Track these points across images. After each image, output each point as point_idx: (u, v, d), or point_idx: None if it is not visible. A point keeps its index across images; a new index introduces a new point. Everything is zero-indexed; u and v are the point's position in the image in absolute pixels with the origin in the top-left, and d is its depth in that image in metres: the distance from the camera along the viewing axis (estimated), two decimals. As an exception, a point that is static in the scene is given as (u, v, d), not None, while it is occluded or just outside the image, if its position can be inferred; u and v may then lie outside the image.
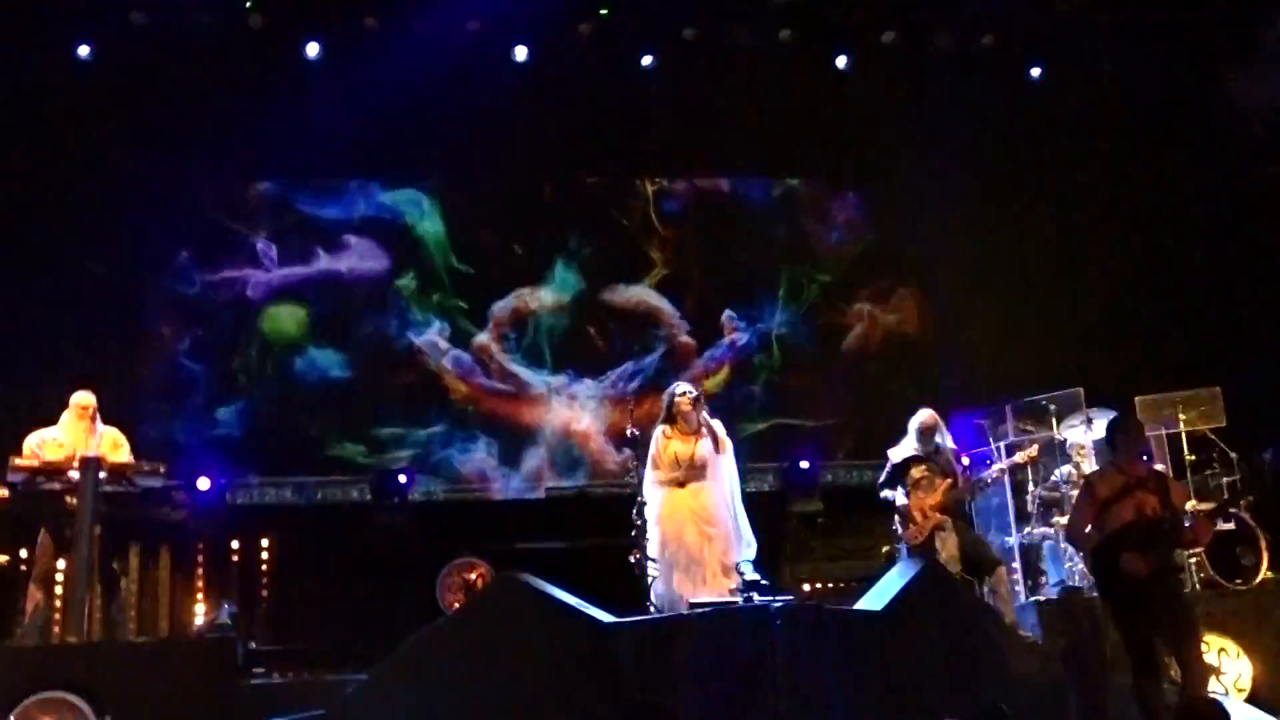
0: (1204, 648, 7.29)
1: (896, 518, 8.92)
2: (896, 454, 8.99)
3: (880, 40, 12.91)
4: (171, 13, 11.74)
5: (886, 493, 8.98)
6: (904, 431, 9.03)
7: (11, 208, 11.43)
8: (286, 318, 12.55)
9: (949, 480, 8.77)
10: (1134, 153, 13.16)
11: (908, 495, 8.81)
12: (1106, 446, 7.27)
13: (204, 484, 10.50)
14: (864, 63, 13.14)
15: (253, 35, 12.05)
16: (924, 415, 8.97)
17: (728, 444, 8.29)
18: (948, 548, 8.57)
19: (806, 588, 10.52)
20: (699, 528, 7.96)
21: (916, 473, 8.84)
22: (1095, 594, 8.54)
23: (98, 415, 8.69)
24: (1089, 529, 6.94)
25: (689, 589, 7.70)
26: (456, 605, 9.84)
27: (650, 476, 8.10)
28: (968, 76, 13.03)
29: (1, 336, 11.12)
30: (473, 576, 10.41)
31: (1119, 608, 6.71)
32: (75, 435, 8.52)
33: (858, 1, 12.74)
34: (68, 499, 8.06)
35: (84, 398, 8.67)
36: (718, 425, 8.30)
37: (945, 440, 8.97)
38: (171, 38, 11.81)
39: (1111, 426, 7.30)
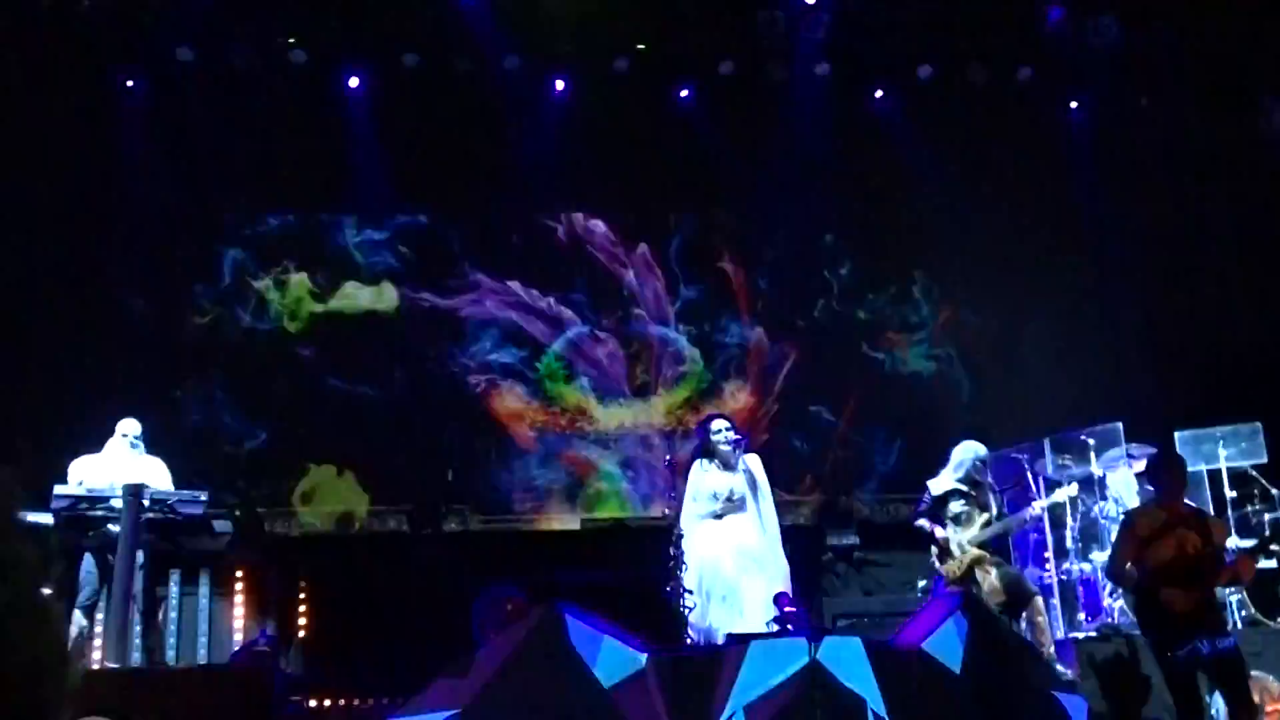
0: (1251, 685, 7.21)
1: (935, 550, 8.88)
2: (936, 486, 8.93)
3: (917, 74, 12.95)
4: (216, 48, 11.91)
5: (922, 523, 8.90)
6: (944, 463, 9.01)
7: (58, 238, 11.58)
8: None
9: (987, 515, 8.73)
10: (1173, 185, 13.12)
11: (944, 528, 8.78)
12: (1147, 483, 7.23)
13: (241, 512, 10.57)
14: (900, 97, 13.18)
15: (295, 70, 12.21)
16: (967, 448, 8.95)
17: (764, 476, 8.31)
18: (988, 582, 8.52)
19: (843, 622, 10.45)
20: (736, 560, 7.97)
21: (955, 506, 8.80)
22: (1136, 631, 8.52)
23: (141, 443, 8.80)
24: (1129, 566, 6.89)
25: (726, 621, 7.69)
26: (493, 636, 9.83)
27: (688, 508, 8.11)
28: (1004, 110, 13.06)
29: (49, 367, 11.24)
30: (508, 608, 10.40)
31: (1161, 645, 6.66)
32: (119, 463, 8.62)
33: (895, 37, 12.76)
34: (110, 525, 8.15)
35: (129, 425, 8.80)
36: (755, 459, 8.32)
37: (985, 475, 8.93)
38: (216, 72, 11.98)
39: (1154, 463, 7.26)
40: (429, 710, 6.86)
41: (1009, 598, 8.50)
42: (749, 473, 8.22)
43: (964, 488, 8.82)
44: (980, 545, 8.66)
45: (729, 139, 12.92)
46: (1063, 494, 9.14)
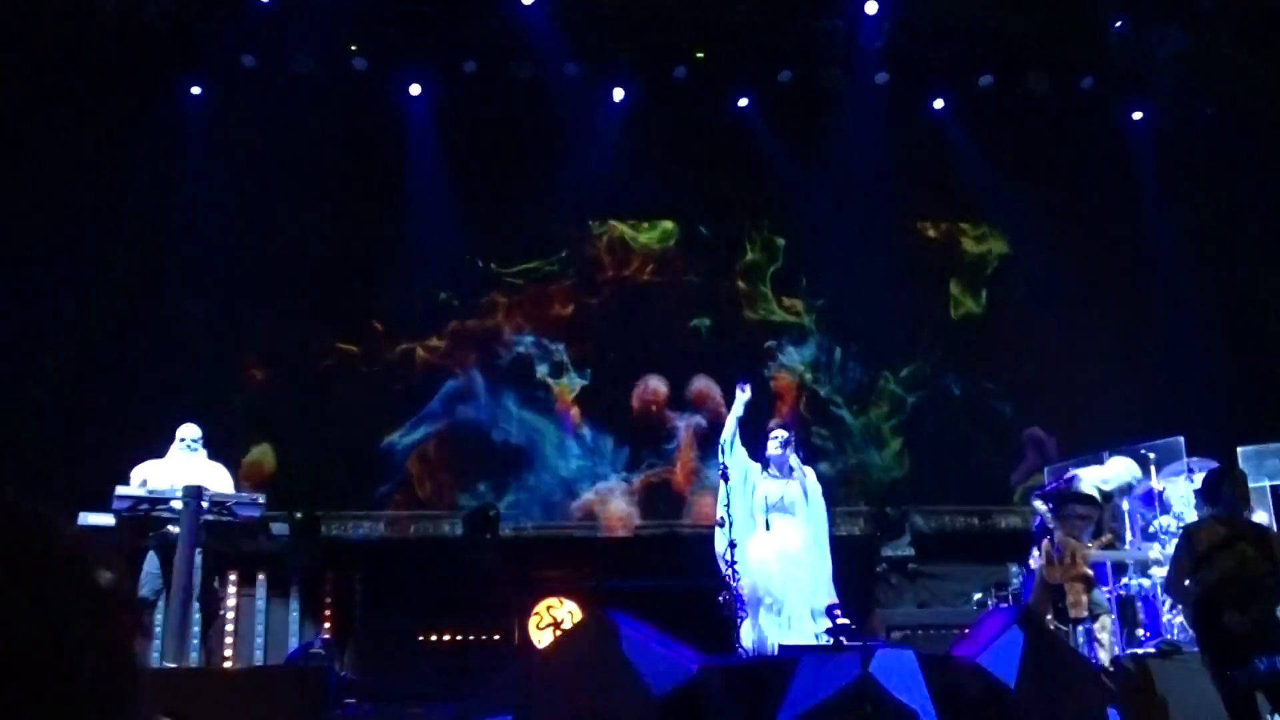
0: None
1: (1047, 544, 8.53)
2: (1086, 481, 8.66)
3: (977, 83, 12.87)
4: (278, 56, 12.05)
5: (1041, 505, 8.60)
6: (1099, 460, 8.84)
7: (123, 244, 11.74)
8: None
9: (1108, 537, 8.59)
10: (1237, 196, 12.93)
11: (1059, 525, 8.51)
12: (1206, 497, 7.11)
13: (299, 516, 10.68)
14: (961, 106, 13.10)
15: (357, 76, 12.34)
16: (1130, 466, 8.77)
17: (817, 487, 8.29)
18: (1075, 594, 8.31)
19: (897, 634, 10.39)
20: (784, 569, 7.95)
21: (1081, 509, 8.56)
22: (1195, 649, 8.39)
23: (200, 447, 8.92)
24: (1187, 582, 6.79)
25: (775, 632, 7.68)
26: (545, 643, 9.88)
27: (739, 515, 8.10)
28: (1066, 119, 12.95)
29: (113, 373, 11.39)
30: (561, 613, 10.45)
31: (1219, 662, 6.55)
32: (180, 467, 8.73)
33: (955, 45, 12.67)
34: (170, 527, 8.26)
35: (188, 430, 8.92)
36: (808, 469, 8.32)
37: (1121, 501, 8.76)
38: (278, 80, 12.12)
39: (1213, 477, 7.15)
40: (483, 713, 6.91)
41: (1086, 613, 8.33)
42: (803, 479, 8.21)
43: (1098, 498, 8.63)
44: (1089, 563, 8.43)
45: (787, 147, 12.87)
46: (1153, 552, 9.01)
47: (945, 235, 13.77)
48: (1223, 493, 6.87)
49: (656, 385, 12.94)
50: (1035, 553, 8.70)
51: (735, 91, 12.98)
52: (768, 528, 8.03)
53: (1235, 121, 12.90)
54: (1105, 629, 8.43)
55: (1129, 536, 8.86)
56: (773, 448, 8.27)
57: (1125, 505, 8.78)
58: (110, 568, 1.29)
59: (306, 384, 12.47)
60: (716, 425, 11.27)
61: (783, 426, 8.67)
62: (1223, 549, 6.61)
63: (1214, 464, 9.41)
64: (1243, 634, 6.42)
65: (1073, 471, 8.81)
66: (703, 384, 12.88)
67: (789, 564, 7.98)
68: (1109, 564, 9.65)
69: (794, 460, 8.27)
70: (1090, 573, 8.49)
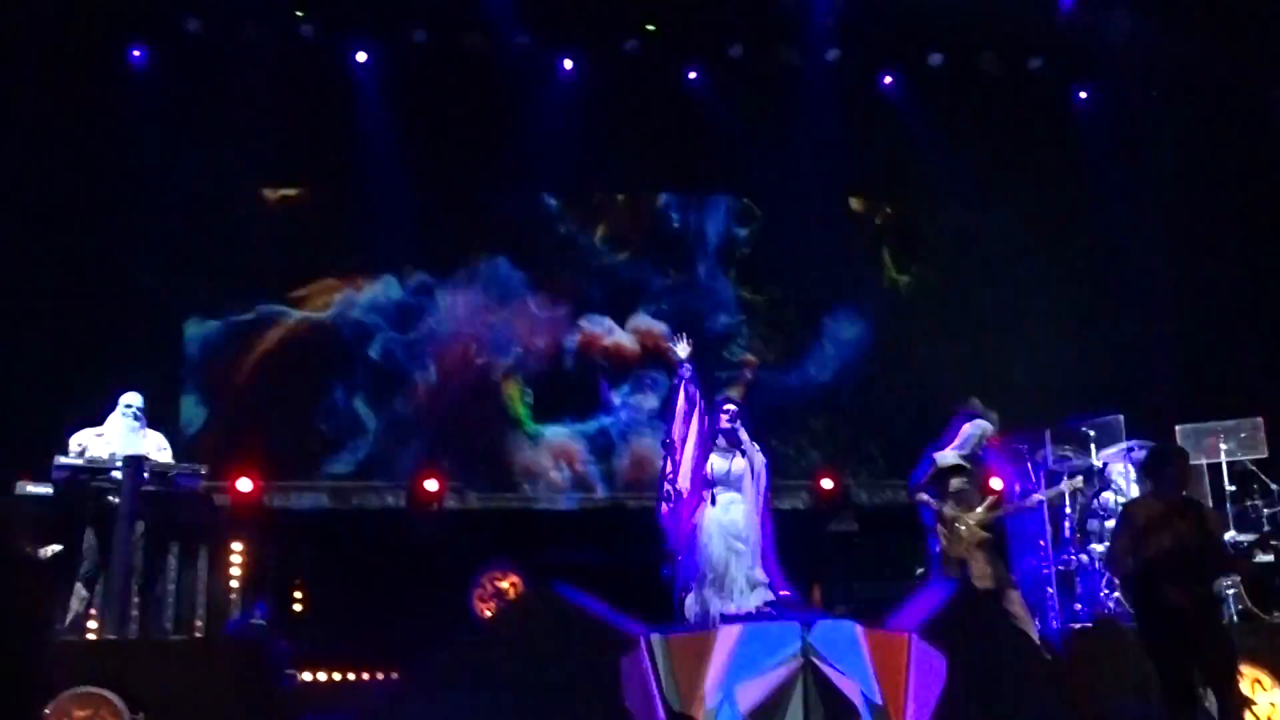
0: (1240, 679, 7.21)
1: (939, 526, 8.74)
2: (943, 458, 8.85)
3: (928, 62, 12.93)
4: (224, 20, 11.89)
5: (924, 496, 8.83)
6: (952, 434, 8.98)
7: (65, 212, 11.56)
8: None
9: (994, 497, 8.75)
10: (1181, 178, 13.07)
11: (943, 502, 8.74)
12: (1148, 475, 7.20)
13: (245, 485, 10.59)
14: (911, 84, 13.15)
15: (304, 43, 12.19)
16: (986, 426, 8.95)
17: (763, 461, 8.33)
18: (979, 566, 8.52)
19: (839, 606, 10.47)
20: (727, 542, 7.99)
21: (957, 482, 8.77)
22: (1131, 623, 8.53)
23: (143, 416, 8.81)
24: (1127, 557, 6.89)
25: (718, 603, 7.71)
26: (489, 614, 9.88)
27: (682, 484, 8.13)
28: (1015, 98, 13.04)
29: (51, 341, 11.23)
30: (505, 585, 10.46)
31: (1156, 637, 6.65)
32: (120, 435, 8.63)
33: (907, 24, 12.71)
34: (110, 497, 8.17)
35: (131, 397, 8.81)
36: (754, 445, 8.35)
37: (986, 454, 8.98)
38: (224, 45, 11.95)
39: (1155, 456, 7.23)
40: (426, 684, 6.90)
41: (994, 585, 8.50)
42: (748, 455, 8.24)
43: (967, 465, 8.82)
44: (983, 527, 8.67)
45: (737, 122, 12.87)
46: (1068, 485, 9.16)
47: (894, 211, 13.81)
48: (1165, 472, 6.95)
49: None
50: (932, 538, 8.86)
51: (686, 66, 12.94)
52: (713, 501, 8.05)
53: (1180, 103, 13.03)
54: (1015, 602, 8.54)
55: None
56: (721, 422, 8.29)
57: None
58: (26, 535, 1.28)
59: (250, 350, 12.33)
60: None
61: (731, 401, 8.68)
62: (1160, 526, 6.70)
63: (1152, 443, 9.57)
64: (1180, 609, 6.51)
65: (931, 454, 8.95)
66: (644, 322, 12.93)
67: (732, 537, 8.01)
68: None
69: (742, 435, 8.30)
70: (988, 536, 8.66)
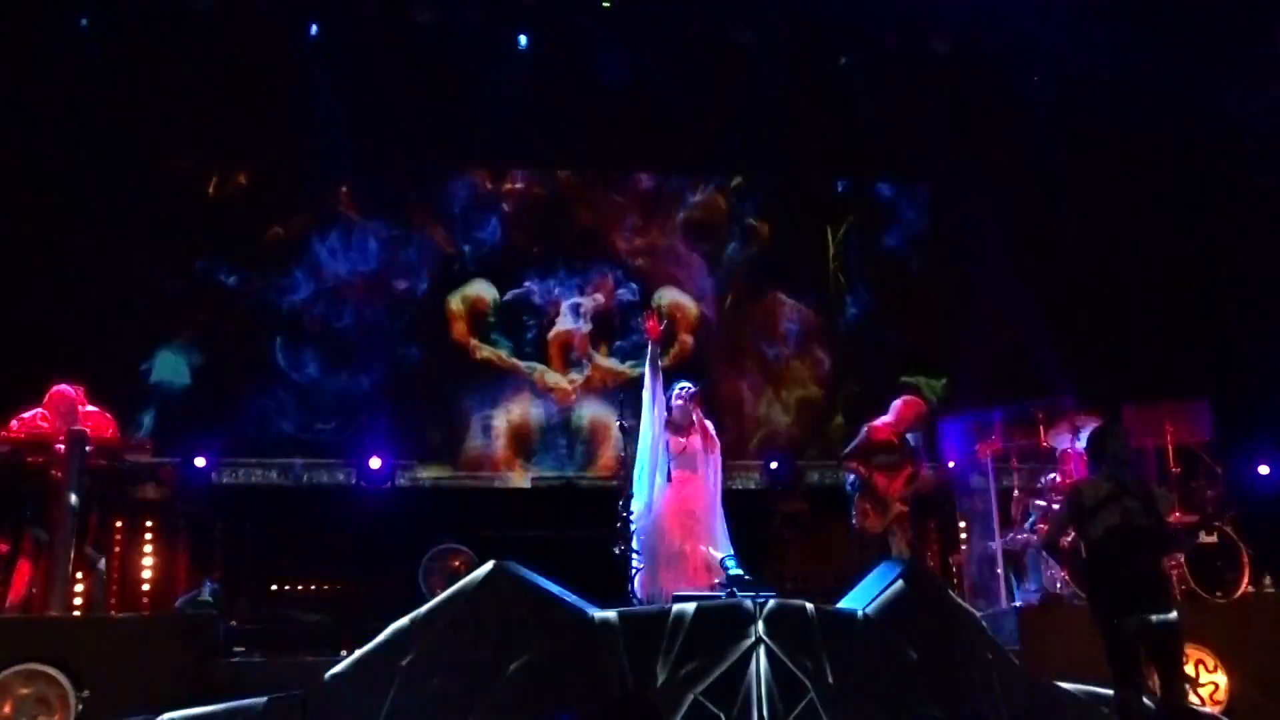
0: (1185, 659, 7.31)
1: (861, 497, 8.97)
2: (874, 431, 9.09)
3: (882, 42, 12.96)
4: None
5: (854, 465, 9.03)
6: (886, 410, 9.17)
7: (3, 181, 11.35)
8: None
9: (909, 470, 8.86)
10: (1131, 163, 13.20)
11: (871, 474, 8.90)
12: (1091, 455, 7.27)
13: (200, 462, 10.48)
14: (865, 64, 13.17)
15: (254, 13, 12.02)
16: (915, 402, 9.13)
17: (716, 443, 8.36)
18: (899, 544, 8.71)
19: (790, 586, 10.51)
20: (682, 522, 8.01)
21: (886, 457, 8.95)
22: (1077, 601, 8.63)
23: (79, 405, 8.64)
24: (1071, 537, 6.96)
25: (672, 583, 7.72)
26: (439, 591, 9.83)
27: (639, 469, 8.12)
28: (964, 81, 13.10)
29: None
30: (456, 564, 10.40)
31: (1104, 615, 6.72)
32: (63, 414, 8.48)
33: (860, 5, 12.72)
34: (53, 473, 8.05)
35: (63, 390, 8.61)
36: (708, 424, 8.38)
37: (919, 431, 9.16)
38: (171, 14, 11.76)
39: (1099, 435, 7.29)
40: (375, 663, 6.86)
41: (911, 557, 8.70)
42: (702, 435, 8.26)
43: (896, 440, 8.97)
44: (903, 501, 8.83)
45: (691, 99, 12.83)
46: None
47: (847, 190, 13.82)
48: (1106, 450, 7.01)
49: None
50: (853, 511, 8.97)
51: (640, 43, 12.88)
52: (669, 480, 8.06)
53: (1131, 91, 13.14)
54: None
55: None
56: (676, 402, 8.30)
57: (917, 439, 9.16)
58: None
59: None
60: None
61: (688, 381, 8.69)
62: (1107, 504, 6.76)
63: (1098, 423, 9.68)
64: (1128, 586, 6.59)
65: (864, 426, 9.16)
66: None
67: (688, 517, 8.03)
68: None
69: (696, 415, 8.32)
70: (905, 510, 8.86)
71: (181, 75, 11.68)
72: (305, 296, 12.43)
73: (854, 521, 9.04)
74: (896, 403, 9.24)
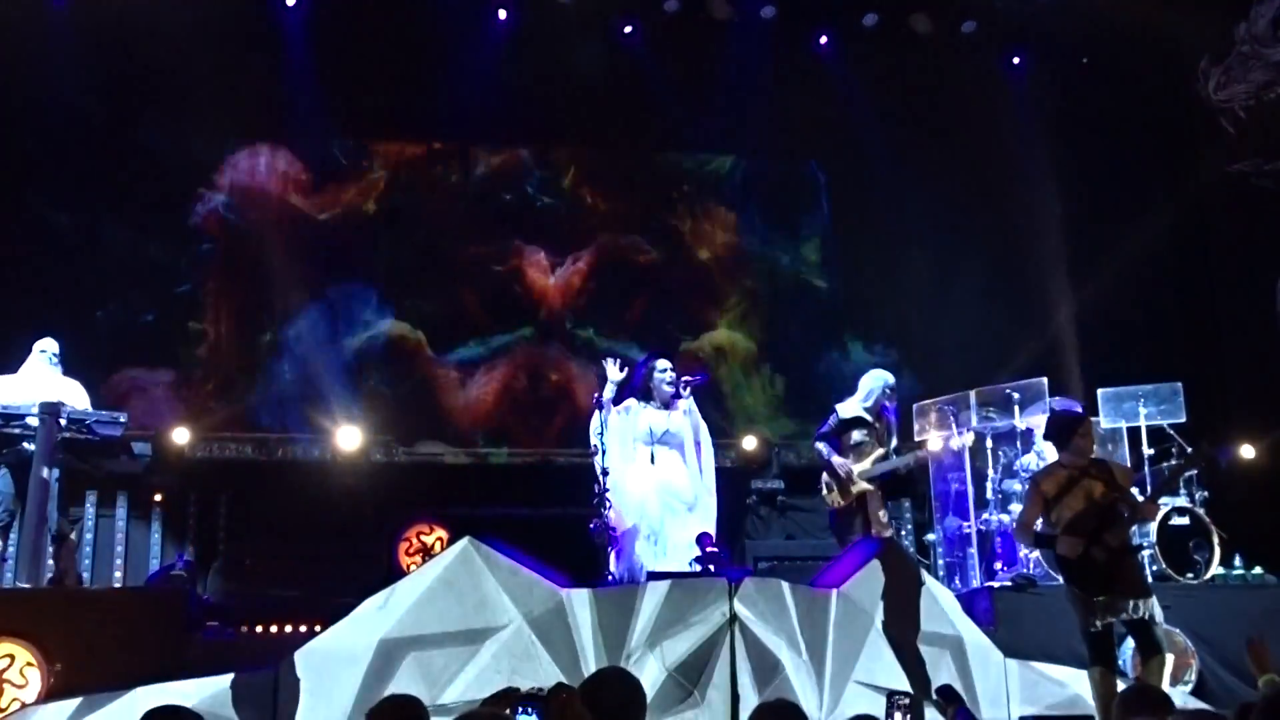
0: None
1: (825, 476, 9.01)
2: (844, 410, 9.09)
3: (861, 22, 12.92)
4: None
5: (822, 446, 9.02)
6: (853, 389, 9.19)
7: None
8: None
9: (882, 450, 8.89)
10: (1106, 145, 13.20)
11: (841, 455, 8.92)
12: (1052, 443, 7.33)
13: (181, 436, 10.41)
14: (844, 44, 13.14)
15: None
16: (877, 376, 9.17)
17: (702, 421, 8.36)
18: (868, 514, 8.75)
19: (764, 565, 10.54)
20: (662, 500, 8.01)
21: (857, 435, 8.97)
22: (1049, 581, 8.68)
23: (59, 363, 8.64)
24: (1033, 527, 7.04)
25: (649, 560, 7.73)
26: (414, 568, 9.81)
27: (616, 447, 8.10)
28: (946, 61, 13.08)
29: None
30: (431, 540, 10.38)
31: (1079, 595, 6.77)
32: (36, 382, 8.45)
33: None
34: (25, 444, 8.00)
35: (47, 343, 8.64)
36: (691, 402, 8.37)
37: (891, 406, 9.12)
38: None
39: (1058, 424, 7.33)
40: (349, 638, 6.85)
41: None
42: (690, 414, 8.26)
43: (868, 418, 9.00)
44: (869, 480, 8.85)
45: (670, 77, 12.77)
46: (957, 442, 9.47)
47: (825, 170, 13.79)
48: (1069, 439, 7.06)
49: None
50: (823, 489, 9.03)
51: (621, 20, 12.82)
52: (652, 460, 8.05)
53: (1108, 73, 13.15)
54: None
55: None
56: (661, 380, 8.29)
57: (892, 415, 9.18)
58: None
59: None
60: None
61: (668, 358, 8.68)
62: (1070, 490, 6.84)
63: (1075, 404, 9.73)
64: (1103, 562, 6.65)
65: (835, 408, 9.18)
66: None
67: (669, 496, 8.03)
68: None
69: (682, 393, 8.33)
70: (872, 488, 8.88)
71: (154, 48, 11.52)
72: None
73: (826, 499, 9.08)
74: (864, 378, 9.27)
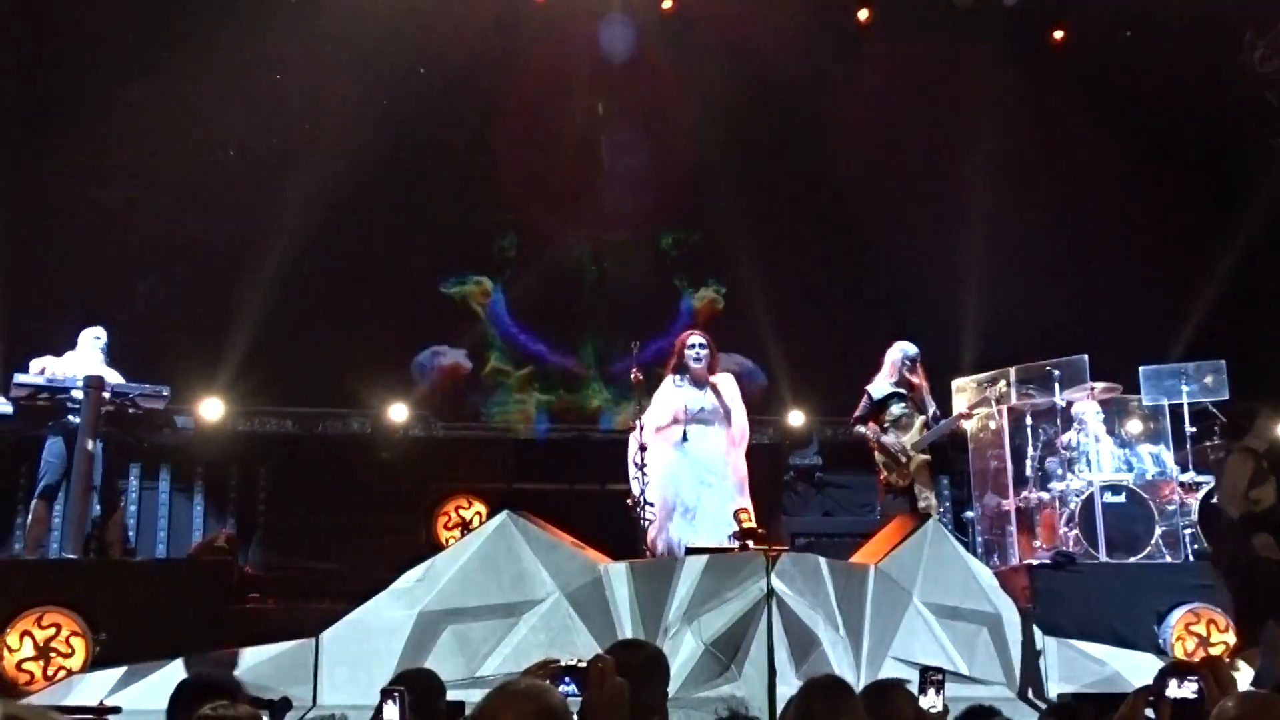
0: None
1: (881, 458, 8.92)
2: (875, 390, 9.00)
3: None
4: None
5: (861, 429, 8.96)
6: (879, 366, 9.10)
7: (27, 139, 11.24)
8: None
9: (924, 418, 8.84)
10: (1151, 121, 13.04)
11: (886, 433, 8.85)
12: (1232, 425, 7.35)
13: (212, 409, 10.45)
14: (885, 17, 13.02)
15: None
16: (897, 347, 9.04)
17: (738, 396, 8.32)
18: (925, 496, 8.70)
19: (801, 541, 10.54)
20: (699, 475, 7.99)
21: (896, 410, 8.90)
22: (1089, 560, 8.64)
23: (107, 353, 8.69)
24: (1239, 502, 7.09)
25: (686, 535, 7.73)
26: (453, 541, 9.88)
27: (654, 423, 8.09)
28: (989, 34, 12.93)
29: (17, 269, 10.92)
30: (470, 514, 10.45)
31: (1245, 585, 6.76)
32: (83, 362, 8.52)
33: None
34: (71, 416, 8.10)
35: (96, 330, 8.70)
36: (729, 378, 8.34)
37: (921, 377, 9.02)
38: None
39: (1252, 410, 7.38)
40: (388, 610, 6.91)
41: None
42: (721, 391, 8.22)
43: (902, 390, 8.92)
44: (923, 451, 8.80)
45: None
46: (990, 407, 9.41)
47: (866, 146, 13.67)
48: (1258, 427, 7.12)
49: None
50: (881, 472, 8.99)
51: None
52: (685, 438, 8.03)
53: (1153, 46, 12.97)
54: None
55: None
56: (690, 356, 8.25)
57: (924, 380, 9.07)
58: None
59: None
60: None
61: (699, 333, 8.63)
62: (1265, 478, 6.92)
63: (1115, 384, 9.68)
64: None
65: (866, 389, 9.08)
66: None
67: (704, 471, 8.00)
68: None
69: (715, 368, 8.31)
70: (927, 458, 8.83)
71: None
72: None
73: (881, 479, 9.03)
74: (887, 353, 9.15)
